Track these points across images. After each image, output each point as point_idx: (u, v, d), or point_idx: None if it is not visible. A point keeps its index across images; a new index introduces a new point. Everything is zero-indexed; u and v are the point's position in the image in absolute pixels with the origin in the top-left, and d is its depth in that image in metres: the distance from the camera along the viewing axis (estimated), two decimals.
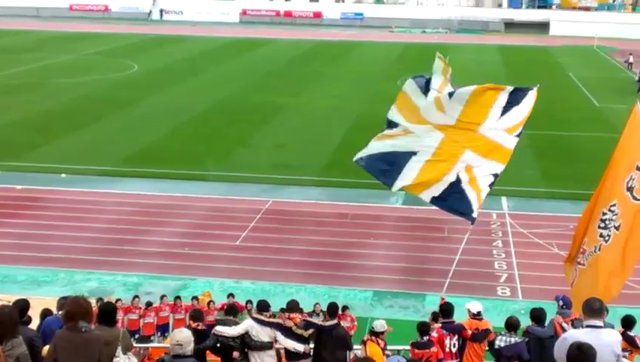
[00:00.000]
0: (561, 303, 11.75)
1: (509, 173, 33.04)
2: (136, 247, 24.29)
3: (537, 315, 11.48)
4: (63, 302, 9.73)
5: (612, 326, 9.39)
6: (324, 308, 18.45)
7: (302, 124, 41.36)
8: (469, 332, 11.61)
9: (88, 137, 37.64)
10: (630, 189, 11.52)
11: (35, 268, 22.74)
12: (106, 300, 15.59)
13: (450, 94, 13.00)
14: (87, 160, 33.47)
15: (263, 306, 12.06)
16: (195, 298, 18.94)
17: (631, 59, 65.14)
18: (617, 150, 12.14)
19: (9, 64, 58.36)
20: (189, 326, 11.95)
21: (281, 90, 50.62)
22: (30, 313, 9.20)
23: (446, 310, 11.96)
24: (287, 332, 11.17)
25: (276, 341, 11.19)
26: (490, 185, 13.29)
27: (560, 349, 7.11)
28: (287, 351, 11.30)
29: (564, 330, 10.47)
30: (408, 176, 13.26)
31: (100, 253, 23.74)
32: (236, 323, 11.56)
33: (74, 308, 7.35)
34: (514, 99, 12.75)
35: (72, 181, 30.67)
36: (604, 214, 11.69)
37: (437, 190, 13.19)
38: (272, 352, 11.12)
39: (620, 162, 11.96)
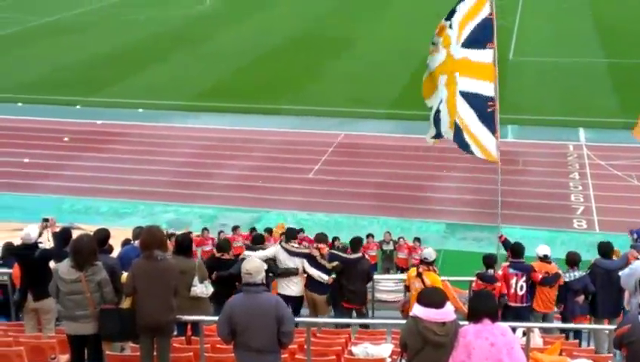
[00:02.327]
0: (635, 236, 11.50)
1: (587, 104, 32.41)
2: (211, 180, 24.81)
3: (605, 249, 11.23)
4: (138, 232, 10.06)
5: None
6: (397, 238, 18.64)
7: (373, 58, 40.82)
8: (539, 275, 11.29)
9: (162, 73, 38.20)
10: None
11: (116, 200, 23.55)
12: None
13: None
14: (163, 95, 34.06)
15: (291, 234, 12.17)
16: (268, 230, 19.18)
17: None
18: None
19: (80, 2, 59.28)
20: (213, 256, 12.26)
21: (352, 23, 49.93)
22: (112, 242, 9.57)
23: (516, 249, 11.59)
24: (313, 262, 11.33)
25: (303, 270, 11.35)
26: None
27: (629, 279, 7.02)
28: (308, 279, 11.40)
29: None
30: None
31: (177, 186, 24.37)
32: (263, 249, 11.72)
33: (149, 238, 7.63)
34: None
35: (149, 116, 31.37)
36: None
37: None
38: (298, 279, 11.31)
39: None
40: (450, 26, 13.20)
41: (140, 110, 32.11)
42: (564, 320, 11.41)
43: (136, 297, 7.52)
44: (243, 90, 34.55)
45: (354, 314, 11.56)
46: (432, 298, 5.80)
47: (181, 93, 34.35)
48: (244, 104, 32.38)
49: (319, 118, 30.77)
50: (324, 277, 11.27)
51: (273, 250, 11.50)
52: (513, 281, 11.26)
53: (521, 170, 24.16)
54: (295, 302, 11.20)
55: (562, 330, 10.85)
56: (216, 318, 7.10)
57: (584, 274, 11.14)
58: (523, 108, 30.91)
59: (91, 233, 8.74)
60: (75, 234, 8.94)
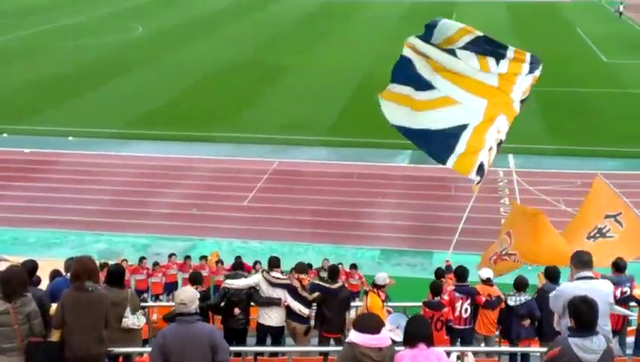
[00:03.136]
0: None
1: (516, 131, 33.07)
2: (144, 209, 24.44)
3: (552, 273, 11.50)
4: (69, 263, 9.83)
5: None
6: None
7: (308, 85, 41.17)
8: (483, 298, 11.61)
9: (94, 100, 37.65)
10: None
11: (45, 230, 22.96)
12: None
13: (486, 52, 12.83)
14: (94, 123, 33.49)
15: (274, 263, 11.99)
16: (203, 257, 19.06)
17: (621, 9, 67.45)
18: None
19: (12, 28, 58.10)
20: None
21: (288, 50, 50.31)
22: (41, 274, 9.31)
23: (461, 273, 11.86)
24: (294, 294, 11.30)
25: (284, 300, 11.31)
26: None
27: (557, 301, 7.20)
28: (289, 309, 11.40)
29: None
30: (459, 148, 13.02)
31: (109, 215, 23.92)
32: (245, 277, 11.69)
33: (79, 268, 7.45)
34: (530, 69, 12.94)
35: (80, 144, 30.78)
36: None
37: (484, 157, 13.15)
38: (279, 309, 11.25)
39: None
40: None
41: (70, 138, 31.47)
42: (510, 343, 11.62)
43: (65, 329, 7.31)
44: (176, 118, 34.29)
45: (332, 341, 11.53)
46: (368, 324, 5.81)
47: (113, 121, 33.84)
48: (178, 132, 32.12)
49: (254, 145, 30.75)
50: (305, 312, 11.25)
51: (255, 278, 11.44)
52: (458, 304, 11.54)
53: (454, 196, 24.55)
54: (276, 332, 11.20)
55: (511, 355, 11.19)
56: (148, 349, 6.96)
57: (530, 298, 11.38)
58: None
59: (19, 264, 8.47)
60: (1, 265, 8.66)
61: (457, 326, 11.60)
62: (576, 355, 6.04)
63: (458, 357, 8.61)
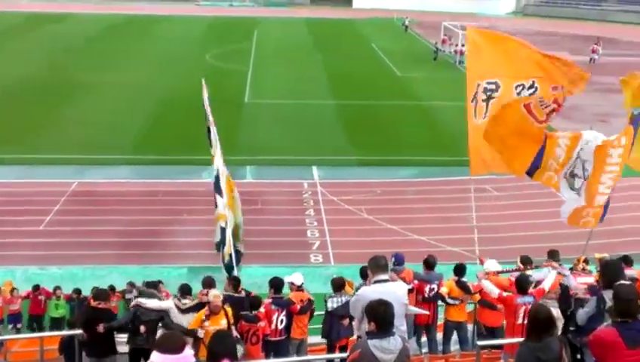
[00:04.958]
0: (393, 260, 12.18)
1: (320, 143, 34.15)
2: None
3: (366, 272, 11.80)
4: None
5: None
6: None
7: (110, 102, 39.79)
8: (298, 306, 11.83)
9: None
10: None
11: None
12: None
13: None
14: None
15: (185, 289, 11.66)
16: None
17: (406, 22, 73.03)
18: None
19: None
20: (89, 305, 11.75)
21: (87, 66, 48.47)
22: None
23: (276, 284, 12.03)
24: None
25: None
26: None
27: (356, 306, 7.37)
28: None
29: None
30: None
31: None
32: (159, 299, 11.52)
33: None
34: None
35: None
36: None
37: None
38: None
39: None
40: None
41: None
42: (329, 343, 11.88)
43: None
44: None
45: None
46: (170, 343, 5.58)
47: None
48: None
49: (50, 166, 29.08)
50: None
51: (168, 304, 11.18)
52: (275, 317, 11.69)
53: (260, 210, 24.64)
54: None
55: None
56: None
57: (350, 298, 11.59)
58: (260, 149, 31.80)
59: None
60: None
61: (273, 339, 11.73)
62: (375, 356, 6.21)
63: None
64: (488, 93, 12.84)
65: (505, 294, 10.38)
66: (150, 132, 34.30)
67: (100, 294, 11.75)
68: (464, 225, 24.59)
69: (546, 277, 10.88)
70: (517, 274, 11.16)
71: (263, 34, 66.67)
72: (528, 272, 11.29)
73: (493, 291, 10.70)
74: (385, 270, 7.67)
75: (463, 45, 54.49)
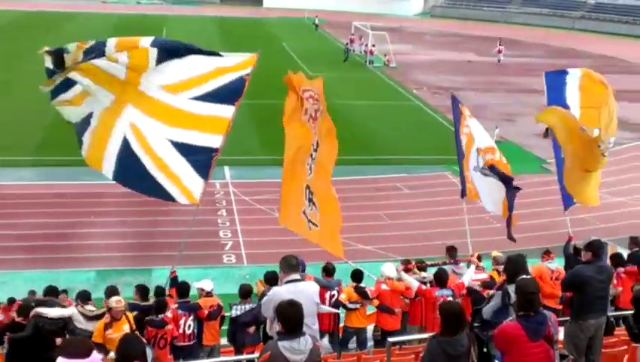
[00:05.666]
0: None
1: (231, 143, 33.72)
2: None
3: (271, 277, 11.77)
4: None
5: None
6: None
7: (9, 103, 38.37)
8: (206, 311, 11.78)
9: None
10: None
11: None
12: None
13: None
14: None
15: (85, 295, 11.43)
16: None
17: (316, 21, 74.56)
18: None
19: None
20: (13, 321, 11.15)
21: None
22: None
23: (182, 289, 11.97)
24: None
25: None
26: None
27: (268, 306, 7.36)
28: None
29: None
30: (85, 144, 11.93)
31: None
32: (61, 306, 11.11)
33: None
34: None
35: None
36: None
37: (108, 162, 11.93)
38: None
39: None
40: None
41: None
42: (236, 351, 11.81)
43: None
44: None
45: None
46: (73, 347, 5.47)
47: None
48: None
49: None
50: None
51: (70, 311, 10.82)
52: (182, 321, 11.57)
53: (173, 211, 24.22)
54: None
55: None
56: None
57: (256, 305, 11.55)
58: None
59: None
60: None
61: (182, 344, 11.63)
62: (285, 357, 6.19)
63: None
64: None
65: (424, 287, 10.67)
66: (54, 132, 33.24)
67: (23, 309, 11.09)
68: (377, 224, 25.03)
69: (465, 272, 11.24)
70: (426, 274, 11.47)
71: (172, 32, 65.70)
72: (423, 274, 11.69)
73: (413, 283, 10.95)
74: (296, 269, 7.69)
75: (373, 45, 55.29)
